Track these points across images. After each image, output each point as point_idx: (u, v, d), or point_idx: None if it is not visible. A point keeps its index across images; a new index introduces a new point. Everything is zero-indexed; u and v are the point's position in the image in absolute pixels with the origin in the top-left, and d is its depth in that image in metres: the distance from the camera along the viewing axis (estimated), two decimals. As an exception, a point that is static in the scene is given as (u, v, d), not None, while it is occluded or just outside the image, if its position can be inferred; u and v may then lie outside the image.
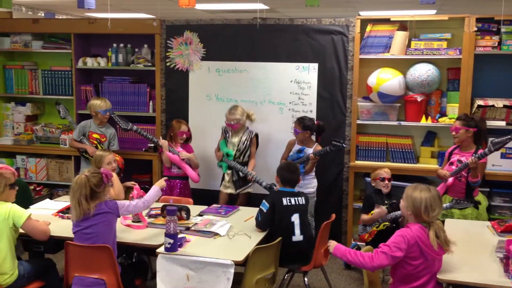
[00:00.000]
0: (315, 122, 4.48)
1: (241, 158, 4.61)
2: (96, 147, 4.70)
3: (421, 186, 2.81)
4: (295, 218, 3.48)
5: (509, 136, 3.67)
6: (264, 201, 3.51)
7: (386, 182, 4.15)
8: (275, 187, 4.05)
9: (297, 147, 4.49)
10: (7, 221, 3.05)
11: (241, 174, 4.56)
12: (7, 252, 3.05)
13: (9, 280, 3.07)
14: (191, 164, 4.66)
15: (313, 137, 4.51)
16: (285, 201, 3.49)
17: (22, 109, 5.53)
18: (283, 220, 3.46)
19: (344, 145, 4.25)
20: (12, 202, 3.15)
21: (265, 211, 3.45)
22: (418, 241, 2.70)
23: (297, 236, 3.48)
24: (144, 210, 3.29)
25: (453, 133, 4.06)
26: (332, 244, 2.93)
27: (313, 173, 4.48)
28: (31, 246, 3.41)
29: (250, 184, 4.58)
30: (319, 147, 4.36)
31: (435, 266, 2.74)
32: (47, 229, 3.21)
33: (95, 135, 4.78)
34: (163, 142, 4.61)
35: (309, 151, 4.36)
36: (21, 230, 3.15)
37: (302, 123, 4.39)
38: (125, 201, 3.18)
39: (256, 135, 4.68)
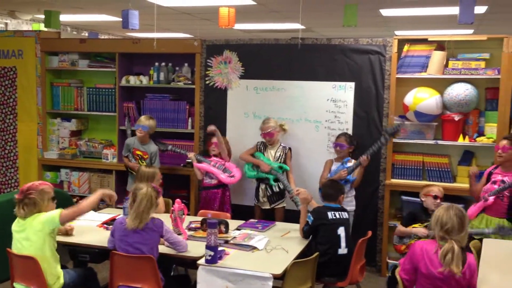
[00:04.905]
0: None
1: None
2: (138, 163, 4.91)
3: (445, 204, 3.03)
4: (341, 231, 3.63)
5: None
6: (309, 214, 3.73)
7: (438, 201, 4.06)
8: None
9: (336, 165, 4.57)
10: (42, 231, 3.12)
11: (282, 189, 4.66)
12: (50, 258, 3.18)
13: (56, 287, 3.20)
14: (222, 155, 4.80)
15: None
16: (330, 215, 3.65)
17: (67, 125, 5.76)
18: (329, 233, 3.61)
19: (400, 125, 4.39)
20: None
21: (310, 223, 3.66)
22: (424, 254, 2.84)
23: (343, 249, 3.61)
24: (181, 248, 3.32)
25: (499, 151, 4.00)
26: None
27: (354, 192, 4.56)
28: (77, 255, 3.56)
29: (284, 199, 4.69)
30: (352, 162, 4.46)
31: None
32: (81, 211, 3.25)
33: (138, 152, 5.01)
34: (190, 155, 4.86)
35: (350, 163, 4.47)
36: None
37: (349, 138, 4.57)
38: (170, 228, 3.37)
39: (290, 149, 4.77)
